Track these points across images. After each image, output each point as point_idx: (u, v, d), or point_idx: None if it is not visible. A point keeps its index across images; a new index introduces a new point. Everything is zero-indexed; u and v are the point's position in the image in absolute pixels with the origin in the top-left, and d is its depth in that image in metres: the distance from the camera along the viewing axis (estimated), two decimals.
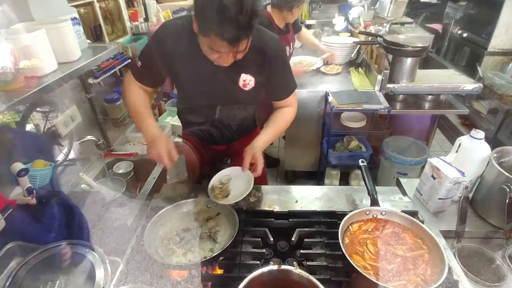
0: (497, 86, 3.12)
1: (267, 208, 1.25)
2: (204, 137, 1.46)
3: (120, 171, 1.77)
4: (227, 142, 1.47)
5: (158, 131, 1.19)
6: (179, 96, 1.44)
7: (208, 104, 1.32)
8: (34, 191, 1.11)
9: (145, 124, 1.21)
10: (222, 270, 1.03)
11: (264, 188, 1.36)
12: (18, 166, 1.12)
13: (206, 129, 1.42)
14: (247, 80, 1.24)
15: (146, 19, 2.76)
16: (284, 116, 1.38)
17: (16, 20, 1.35)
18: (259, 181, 1.30)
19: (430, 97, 2.42)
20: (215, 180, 1.26)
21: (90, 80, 1.77)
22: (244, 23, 0.92)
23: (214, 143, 1.48)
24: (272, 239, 1.10)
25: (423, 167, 1.34)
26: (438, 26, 3.25)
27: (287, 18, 2.30)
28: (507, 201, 1.05)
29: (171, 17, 2.99)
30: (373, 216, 1.09)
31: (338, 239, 0.95)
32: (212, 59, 1.08)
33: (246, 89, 1.25)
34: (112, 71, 1.90)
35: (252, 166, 1.24)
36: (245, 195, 1.16)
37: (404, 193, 1.35)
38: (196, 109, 1.37)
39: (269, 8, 2.25)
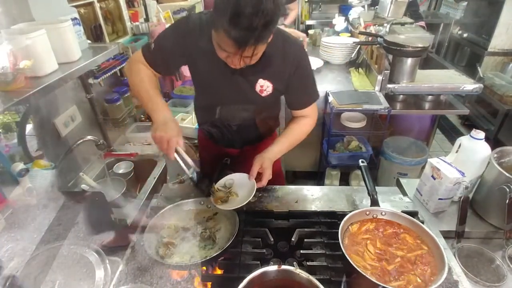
0: (497, 87, 3.12)
1: (267, 208, 1.25)
2: (217, 137, 1.44)
3: (120, 171, 1.77)
4: (238, 145, 1.44)
5: (170, 115, 1.10)
6: (196, 93, 1.40)
7: (222, 104, 1.29)
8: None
9: (155, 104, 1.12)
10: (222, 270, 1.02)
11: (264, 188, 1.36)
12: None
13: (218, 129, 1.39)
14: (264, 86, 1.19)
15: (147, 20, 2.76)
16: (301, 127, 1.32)
17: (16, 20, 1.35)
18: (276, 181, 1.31)
19: (430, 97, 2.42)
20: (219, 183, 1.24)
21: (90, 80, 1.76)
22: (256, 27, 0.86)
23: (227, 145, 1.45)
24: (272, 239, 1.10)
25: (423, 168, 1.34)
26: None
27: None
28: (507, 201, 1.05)
29: (172, 18, 2.99)
30: (373, 216, 1.09)
31: (338, 239, 0.95)
32: (221, 57, 1.03)
33: (263, 94, 1.21)
34: (113, 71, 1.90)
35: (259, 176, 1.21)
36: (241, 205, 1.11)
37: (404, 193, 1.35)
38: (210, 107, 1.33)
39: None
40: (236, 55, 0.96)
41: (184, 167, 1.07)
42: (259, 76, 1.17)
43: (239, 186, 1.22)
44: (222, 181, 1.25)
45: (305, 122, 1.33)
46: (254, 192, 1.15)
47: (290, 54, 1.15)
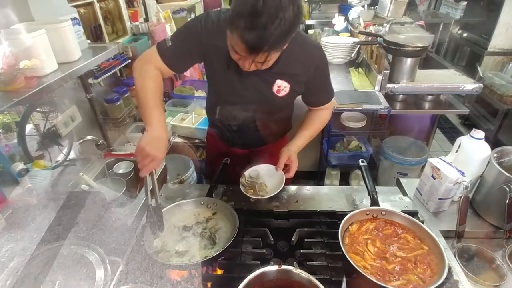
0: (497, 86, 3.12)
1: (267, 208, 1.25)
2: (231, 138, 1.42)
3: (120, 171, 1.76)
4: (253, 146, 1.44)
5: (165, 133, 1.05)
6: (209, 91, 1.39)
7: (237, 104, 1.27)
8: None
9: (153, 117, 1.04)
10: (222, 270, 1.03)
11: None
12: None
13: (230, 129, 1.38)
14: (281, 86, 1.19)
15: (146, 19, 2.75)
16: (320, 119, 1.35)
17: (16, 20, 1.35)
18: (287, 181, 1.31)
19: (430, 97, 2.42)
20: (245, 175, 1.30)
21: (90, 80, 1.77)
22: (271, 34, 0.84)
23: (239, 146, 1.44)
24: (272, 239, 1.10)
25: (423, 167, 1.35)
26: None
27: None
28: (507, 201, 1.05)
29: (171, 17, 2.99)
30: (373, 216, 1.09)
31: (338, 239, 0.95)
32: (233, 58, 1.02)
33: (280, 95, 1.21)
34: (112, 71, 1.90)
35: (286, 167, 1.26)
36: (276, 192, 1.23)
37: (404, 193, 1.35)
38: (224, 107, 1.31)
39: None
40: (248, 59, 0.96)
41: (149, 192, 1.02)
42: (277, 77, 1.17)
43: (267, 177, 1.30)
44: (247, 173, 1.31)
45: (323, 113, 1.36)
46: (284, 182, 1.24)
47: (310, 57, 1.16)
